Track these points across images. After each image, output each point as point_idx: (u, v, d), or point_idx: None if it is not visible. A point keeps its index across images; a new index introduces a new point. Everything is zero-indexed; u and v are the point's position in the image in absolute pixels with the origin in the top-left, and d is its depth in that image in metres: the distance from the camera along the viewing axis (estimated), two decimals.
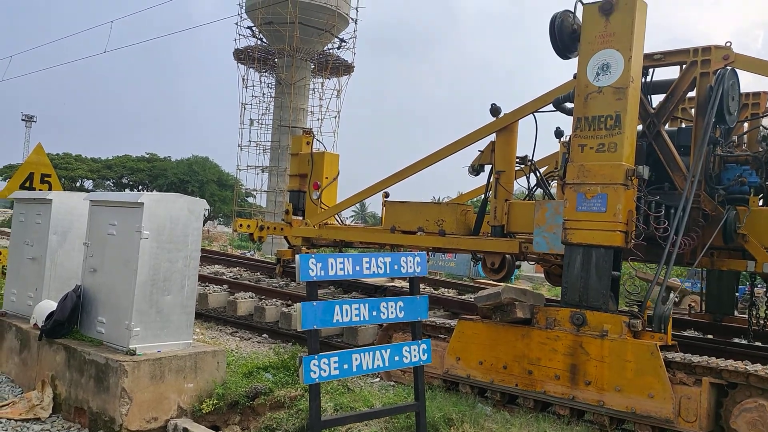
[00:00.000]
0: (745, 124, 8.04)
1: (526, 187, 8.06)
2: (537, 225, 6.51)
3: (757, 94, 8.07)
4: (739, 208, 6.04)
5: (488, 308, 5.97)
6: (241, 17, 41.84)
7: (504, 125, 7.90)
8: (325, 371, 3.91)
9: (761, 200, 6.48)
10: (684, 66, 6.59)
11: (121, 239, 6.02)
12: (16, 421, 5.78)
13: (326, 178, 11.44)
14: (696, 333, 8.51)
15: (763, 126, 7.82)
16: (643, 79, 6.75)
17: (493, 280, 8.67)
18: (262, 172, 43.31)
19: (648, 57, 6.45)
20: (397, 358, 4.28)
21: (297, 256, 3.88)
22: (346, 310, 4.04)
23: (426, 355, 4.42)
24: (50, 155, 48.32)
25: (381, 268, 4.26)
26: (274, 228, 11.60)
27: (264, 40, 43.14)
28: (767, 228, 5.96)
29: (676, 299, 10.33)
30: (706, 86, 6.31)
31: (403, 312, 4.33)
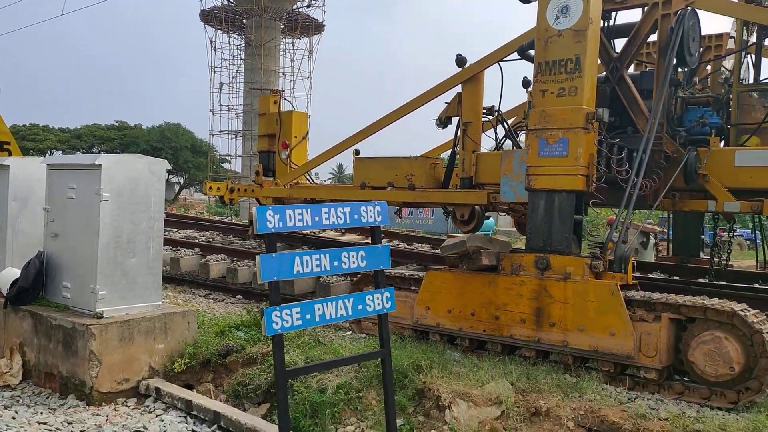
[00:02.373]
0: (708, 67, 8.08)
1: (495, 138, 8.03)
2: (504, 174, 6.52)
3: (719, 36, 8.09)
4: (700, 149, 6.08)
5: (455, 257, 6.02)
6: None
7: (469, 75, 7.81)
8: (287, 322, 3.89)
9: (722, 141, 6.54)
10: (646, 8, 6.54)
11: (81, 203, 5.92)
12: None
13: (295, 137, 11.26)
14: (662, 275, 8.70)
15: (724, 68, 7.86)
16: (606, 23, 6.71)
17: (464, 232, 8.73)
18: (236, 136, 42.75)
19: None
20: (360, 307, 4.28)
21: (253, 209, 3.83)
22: (307, 260, 4.01)
23: (390, 303, 4.43)
24: (16, 126, 47.05)
25: (341, 218, 4.22)
26: (245, 190, 11.46)
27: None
28: (727, 168, 6.01)
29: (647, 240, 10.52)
30: (667, 28, 6.27)
31: (365, 261, 4.31)
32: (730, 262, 8.76)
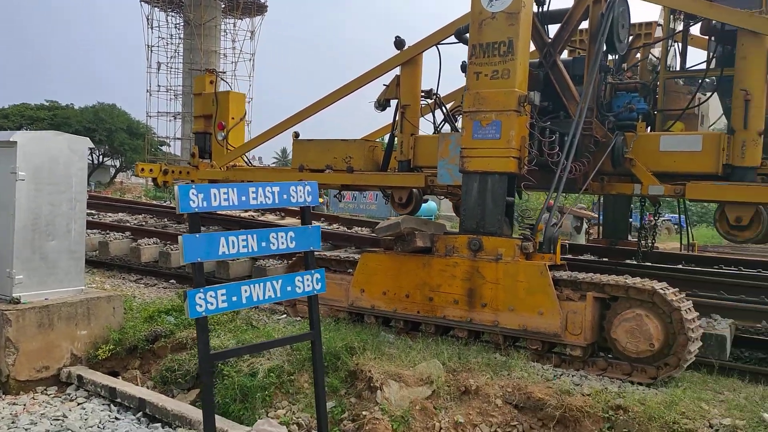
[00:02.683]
0: (638, 54, 8.32)
1: (433, 122, 8.04)
2: (441, 157, 6.54)
3: (649, 24, 8.33)
4: (627, 134, 6.26)
5: (390, 239, 6.00)
6: None
7: (408, 58, 7.80)
8: (212, 304, 3.77)
9: (648, 126, 6.75)
10: None
11: None
12: None
13: (232, 118, 10.99)
14: (593, 257, 8.96)
15: (653, 55, 8.11)
16: (540, 9, 6.79)
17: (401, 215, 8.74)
18: (175, 118, 41.52)
19: None
20: (289, 289, 4.19)
21: (176, 187, 3.69)
22: (233, 241, 3.89)
23: (320, 284, 4.36)
24: None
25: (269, 198, 4.11)
26: (180, 172, 11.12)
27: None
28: (653, 152, 6.21)
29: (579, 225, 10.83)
30: (598, 14, 6.40)
31: (294, 242, 4.22)
32: (656, 245, 9.12)
